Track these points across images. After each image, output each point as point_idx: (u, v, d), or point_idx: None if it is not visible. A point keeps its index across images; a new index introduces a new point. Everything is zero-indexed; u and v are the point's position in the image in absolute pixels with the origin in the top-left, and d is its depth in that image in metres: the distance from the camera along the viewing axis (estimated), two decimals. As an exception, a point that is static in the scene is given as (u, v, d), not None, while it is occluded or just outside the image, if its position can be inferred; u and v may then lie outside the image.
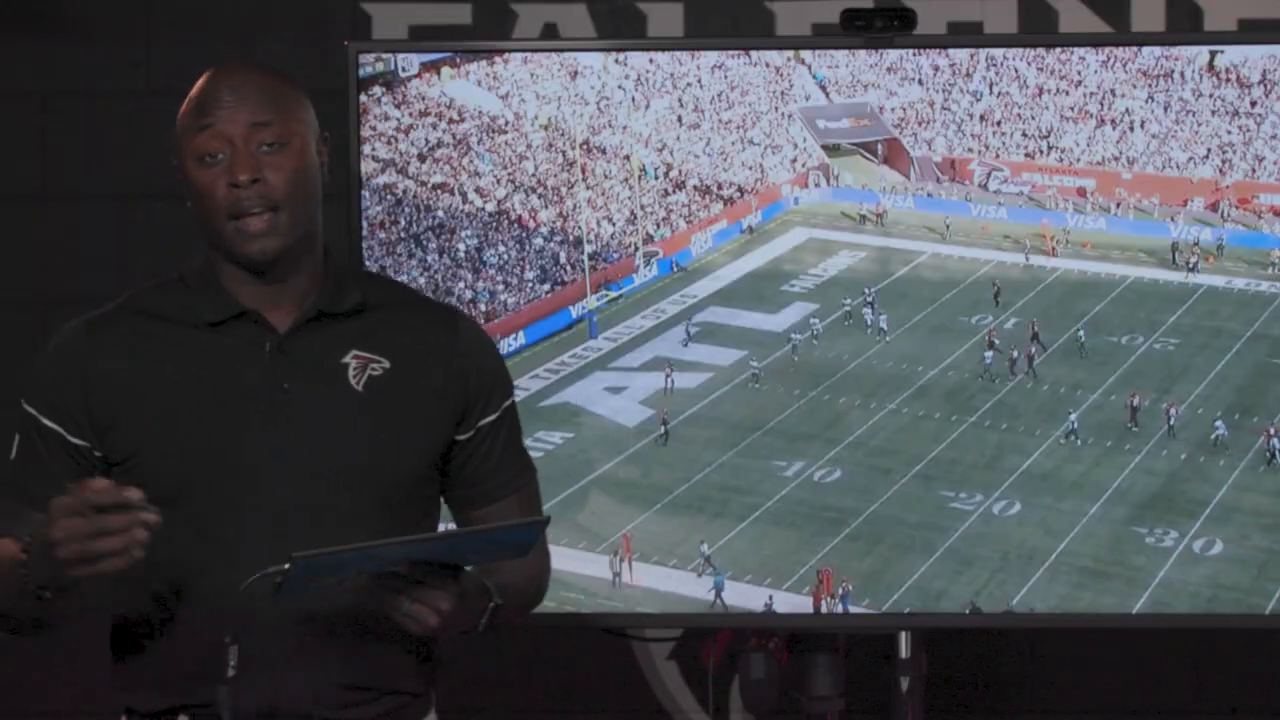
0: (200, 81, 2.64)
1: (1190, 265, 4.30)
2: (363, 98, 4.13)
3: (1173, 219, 4.29)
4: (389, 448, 2.64)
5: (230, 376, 2.61)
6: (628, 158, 4.29)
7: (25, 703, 4.98)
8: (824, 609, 4.08)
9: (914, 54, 4.18)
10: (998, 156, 4.29)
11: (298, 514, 2.55)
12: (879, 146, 4.36)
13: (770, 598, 4.10)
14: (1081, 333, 4.25)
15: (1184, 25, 4.82)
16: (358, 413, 2.63)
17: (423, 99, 4.21)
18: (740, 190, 4.36)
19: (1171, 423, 4.19)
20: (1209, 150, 4.22)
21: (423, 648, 2.71)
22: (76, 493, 2.34)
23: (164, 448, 2.59)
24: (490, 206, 4.26)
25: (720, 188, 4.35)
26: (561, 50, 4.34)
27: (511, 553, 2.54)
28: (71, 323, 2.69)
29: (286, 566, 2.37)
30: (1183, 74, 4.19)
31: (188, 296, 2.66)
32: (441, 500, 2.80)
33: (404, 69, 4.20)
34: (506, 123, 4.25)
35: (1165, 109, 4.21)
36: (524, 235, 4.26)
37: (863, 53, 4.15)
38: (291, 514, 2.56)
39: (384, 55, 4.21)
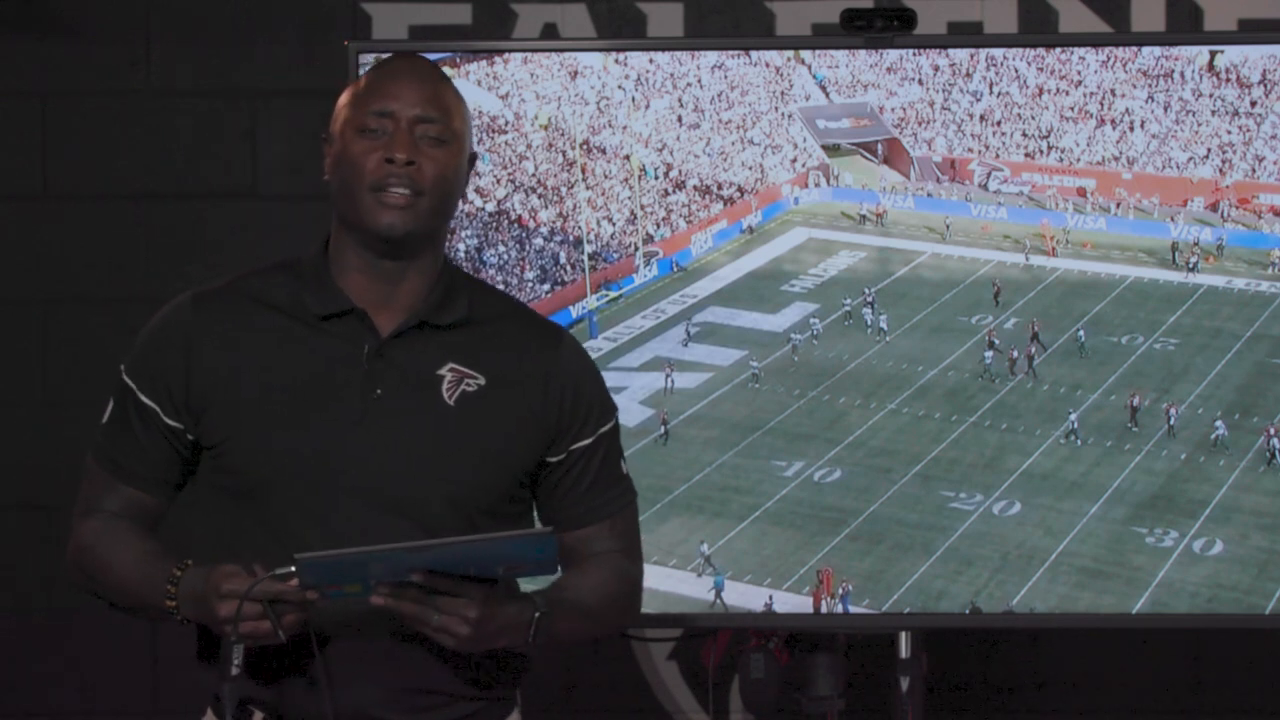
0: (382, 64, 2.69)
1: (1190, 265, 4.30)
2: (363, 98, 4.13)
3: (1173, 219, 4.29)
4: (473, 465, 2.62)
5: (326, 376, 2.60)
6: (628, 158, 4.29)
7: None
8: (824, 609, 4.08)
9: (914, 54, 4.18)
10: (998, 156, 4.29)
11: (376, 522, 2.53)
12: (879, 146, 4.35)
13: (770, 598, 4.10)
14: (1081, 333, 4.25)
15: (1184, 25, 4.82)
16: (446, 427, 2.61)
17: (423, 99, 4.20)
18: (740, 190, 4.36)
19: (1171, 423, 4.19)
20: (1209, 150, 4.21)
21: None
22: (259, 577, 2.41)
23: (252, 441, 2.59)
24: (490, 206, 4.26)
25: (720, 188, 4.34)
26: (561, 50, 4.34)
27: (534, 567, 2.49)
28: (179, 297, 2.69)
29: (292, 569, 2.37)
30: (1183, 74, 4.19)
31: (298, 287, 2.66)
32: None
33: (404, 69, 4.19)
34: (506, 123, 4.25)
35: (1165, 109, 4.21)
36: (524, 235, 4.26)
37: (863, 53, 4.15)
38: (370, 522, 2.54)
39: (384, 55, 4.20)
